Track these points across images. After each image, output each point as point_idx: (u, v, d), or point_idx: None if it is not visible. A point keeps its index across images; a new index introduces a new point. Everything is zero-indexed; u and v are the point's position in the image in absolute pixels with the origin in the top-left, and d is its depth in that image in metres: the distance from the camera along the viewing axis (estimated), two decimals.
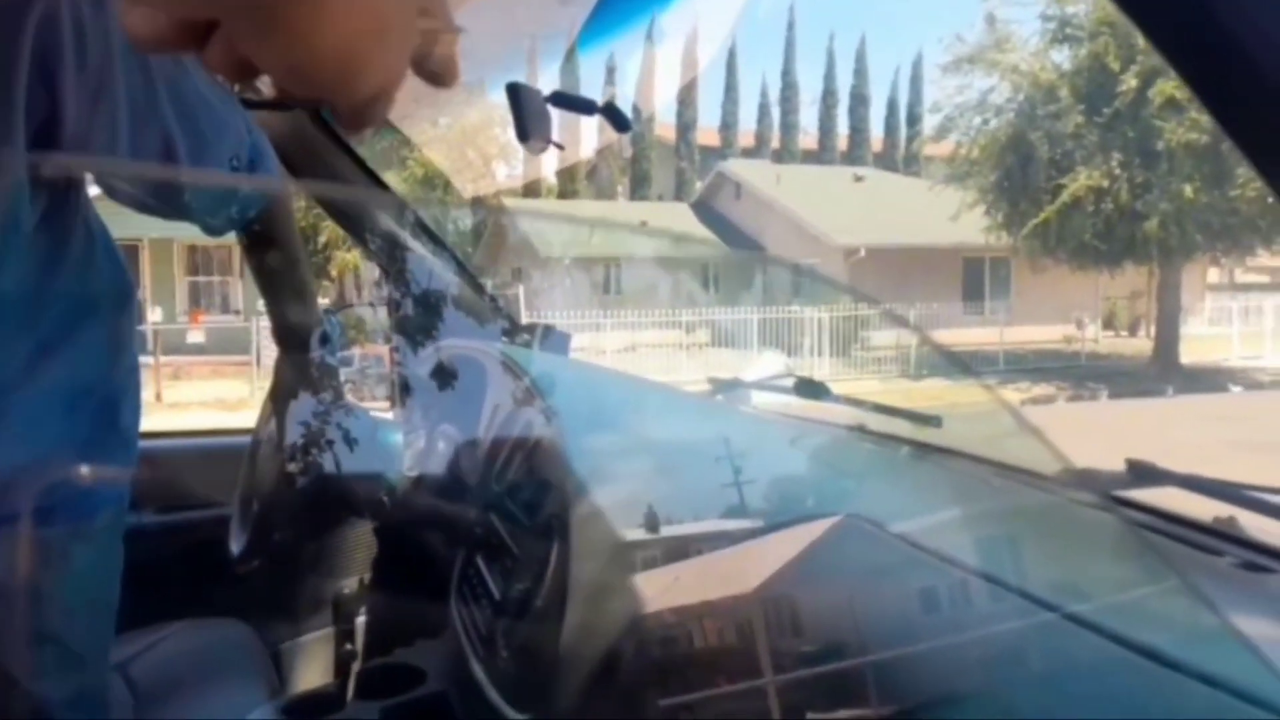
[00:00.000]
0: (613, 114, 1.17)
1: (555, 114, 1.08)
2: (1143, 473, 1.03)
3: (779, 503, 1.14)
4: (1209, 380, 14.58)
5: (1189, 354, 16.30)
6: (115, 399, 0.99)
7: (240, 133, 1.05)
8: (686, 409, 1.50)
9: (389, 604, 1.39)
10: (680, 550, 0.96)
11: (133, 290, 1.04)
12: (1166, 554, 0.90)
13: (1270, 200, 13.45)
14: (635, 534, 0.98)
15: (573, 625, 0.85)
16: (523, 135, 1.06)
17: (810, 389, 1.47)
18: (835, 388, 1.47)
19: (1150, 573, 0.88)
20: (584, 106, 1.14)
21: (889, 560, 0.97)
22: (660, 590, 0.91)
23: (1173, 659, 0.63)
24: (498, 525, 1.12)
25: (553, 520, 1.01)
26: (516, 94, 1.03)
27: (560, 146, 1.20)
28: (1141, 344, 17.97)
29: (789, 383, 1.52)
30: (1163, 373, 15.23)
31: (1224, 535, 0.87)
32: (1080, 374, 15.17)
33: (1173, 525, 0.92)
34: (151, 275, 15.70)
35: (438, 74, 0.37)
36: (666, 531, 1.03)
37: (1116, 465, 1.06)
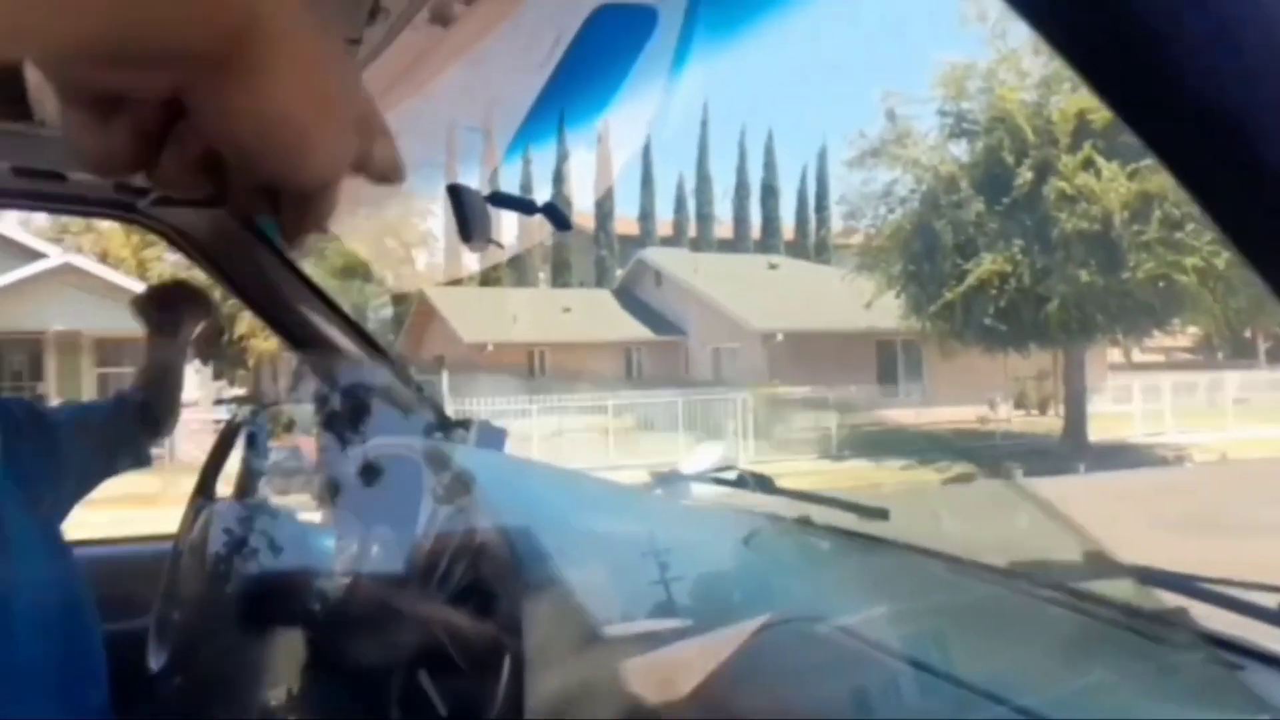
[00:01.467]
0: (553, 213, 1.17)
1: (496, 214, 1.08)
2: (1099, 565, 1.03)
3: (720, 602, 1.11)
4: (1117, 457, 15.11)
5: (1096, 431, 16.89)
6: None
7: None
8: (632, 507, 1.47)
9: None
10: (637, 652, 0.92)
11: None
12: (1132, 649, 0.89)
13: (1161, 284, 14.19)
14: (591, 636, 0.94)
15: None
16: (465, 235, 1.06)
17: (756, 483, 1.45)
18: (760, 469, 1.46)
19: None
20: (524, 206, 1.15)
21: (834, 664, 0.95)
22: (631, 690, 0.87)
23: None
24: (442, 636, 1.05)
25: (503, 630, 0.96)
26: (458, 195, 1.02)
27: (501, 246, 1.20)
28: (1052, 422, 18.55)
29: (733, 475, 1.51)
30: (1074, 450, 15.72)
31: (1196, 632, 0.86)
32: (996, 453, 15.55)
33: (1135, 620, 0.92)
34: (58, 368, 15.05)
35: (384, 173, 0.40)
36: (619, 631, 0.99)
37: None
